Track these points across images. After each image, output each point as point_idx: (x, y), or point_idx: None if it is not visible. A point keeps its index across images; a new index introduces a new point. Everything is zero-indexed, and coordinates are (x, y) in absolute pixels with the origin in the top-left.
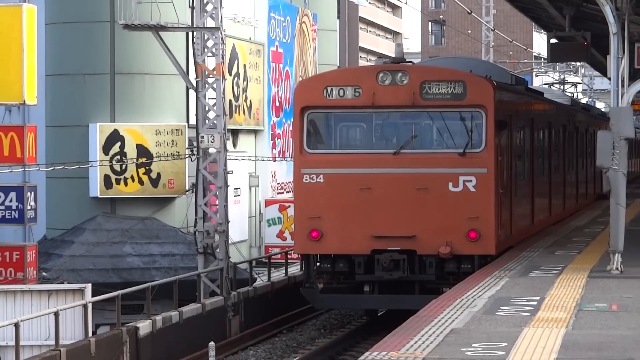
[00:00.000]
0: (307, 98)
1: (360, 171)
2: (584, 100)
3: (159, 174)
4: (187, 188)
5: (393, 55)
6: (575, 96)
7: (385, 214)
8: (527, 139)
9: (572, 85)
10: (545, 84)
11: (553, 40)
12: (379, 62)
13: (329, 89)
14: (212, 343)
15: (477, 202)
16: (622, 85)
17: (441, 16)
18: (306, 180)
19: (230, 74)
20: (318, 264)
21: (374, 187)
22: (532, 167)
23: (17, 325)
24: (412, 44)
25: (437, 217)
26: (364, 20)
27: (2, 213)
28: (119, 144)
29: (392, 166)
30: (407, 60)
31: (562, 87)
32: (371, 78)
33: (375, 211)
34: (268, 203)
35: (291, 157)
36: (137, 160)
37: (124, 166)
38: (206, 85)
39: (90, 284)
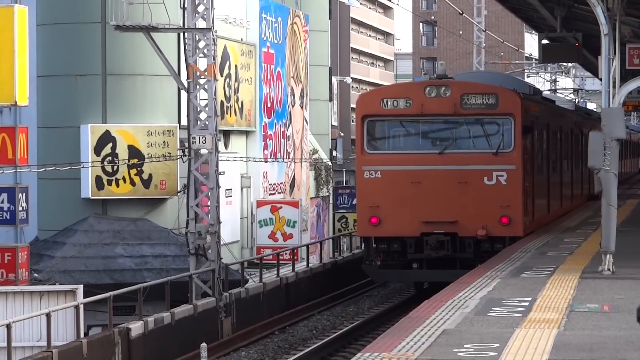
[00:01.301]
0: (367, 108)
1: (411, 168)
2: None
3: (150, 175)
4: (178, 189)
5: (384, 55)
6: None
7: (432, 203)
8: (545, 141)
9: (574, 91)
10: (548, 90)
11: (544, 41)
12: (425, 78)
13: (384, 100)
14: (204, 344)
15: (507, 193)
16: (614, 86)
17: (432, 17)
18: (366, 176)
19: (221, 75)
20: (374, 245)
21: (422, 181)
22: (549, 165)
23: (9, 327)
24: (404, 45)
25: (475, 205)
26: (355, 21)
27: None
28: (110, 145)
29: (437, 164)
30: (446, 75)
31: (553, 88)
32: (420, 91)
33: (424, 201)
34: (260, 204)
35: (282, 158)
36: (129, 161)
37: (115, 167)
38: (197, 86)
39: (82, 285)
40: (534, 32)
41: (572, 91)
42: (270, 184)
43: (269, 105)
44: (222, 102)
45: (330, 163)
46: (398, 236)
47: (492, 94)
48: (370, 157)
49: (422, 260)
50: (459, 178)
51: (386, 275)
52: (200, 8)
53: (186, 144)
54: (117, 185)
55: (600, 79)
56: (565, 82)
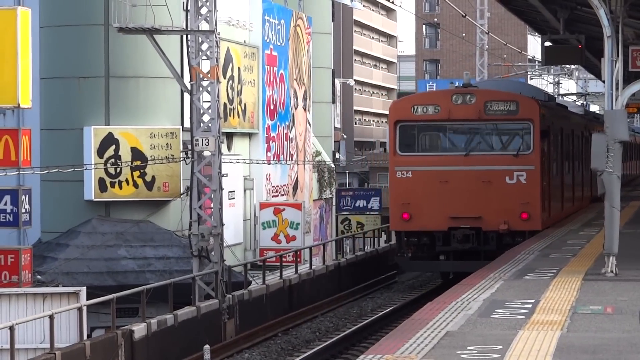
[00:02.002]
0: (399, 114)
1: (440, 168)
2: (575, 103)
3: (153, 177)
4: (181, 191)
5: (387, 58)
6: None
7: (459, 200)
8: (559, 143)
9: (582, 95)
10: (559, 95)
11: (547, 43)
12: (452, 86)
13: (415, 107)
14: (207, 346)
15: (527, 191)
16: (617, 88)
17: (435, 19)
18: (399, 175)
19: (224, 77)
20: (405, 238)
21: (450, 180)
22: (563, 167)
23: (12, 329)
24: (407, 47)
25: (497, 202)
26: (358, 24)
27: None
28: (113, 147)
29: (463, 164)
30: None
31: (560, 93)
32: (447, 99)
33: (451, 198)
34: (263, 206)
35: (285, 161)
36: (132, 163)
37: (118, 169)
38: (200, 89)
39: (85, 287)
40: (536, 34)
41: (577, 95)
42: (273, 186)
43: (272, 107)
44: (225, 104)
45: (333, 165)
46: (427, 230)
47: (513, 101)
48: (402, 158)
49: (449, 252)
50: (483, 177)
51: (416, 266)
52: (203, 10)
53: (189, 146)
54: (120, 187)
55: (603, 81)
56: (569, 84)
